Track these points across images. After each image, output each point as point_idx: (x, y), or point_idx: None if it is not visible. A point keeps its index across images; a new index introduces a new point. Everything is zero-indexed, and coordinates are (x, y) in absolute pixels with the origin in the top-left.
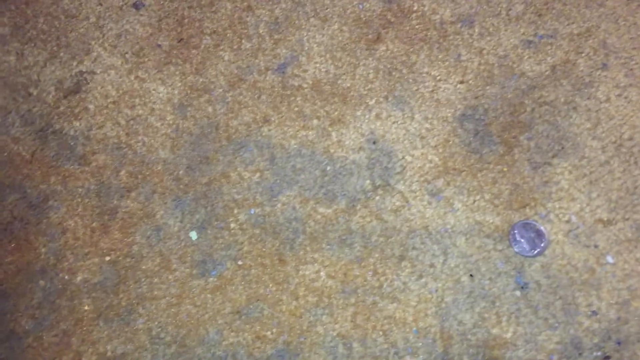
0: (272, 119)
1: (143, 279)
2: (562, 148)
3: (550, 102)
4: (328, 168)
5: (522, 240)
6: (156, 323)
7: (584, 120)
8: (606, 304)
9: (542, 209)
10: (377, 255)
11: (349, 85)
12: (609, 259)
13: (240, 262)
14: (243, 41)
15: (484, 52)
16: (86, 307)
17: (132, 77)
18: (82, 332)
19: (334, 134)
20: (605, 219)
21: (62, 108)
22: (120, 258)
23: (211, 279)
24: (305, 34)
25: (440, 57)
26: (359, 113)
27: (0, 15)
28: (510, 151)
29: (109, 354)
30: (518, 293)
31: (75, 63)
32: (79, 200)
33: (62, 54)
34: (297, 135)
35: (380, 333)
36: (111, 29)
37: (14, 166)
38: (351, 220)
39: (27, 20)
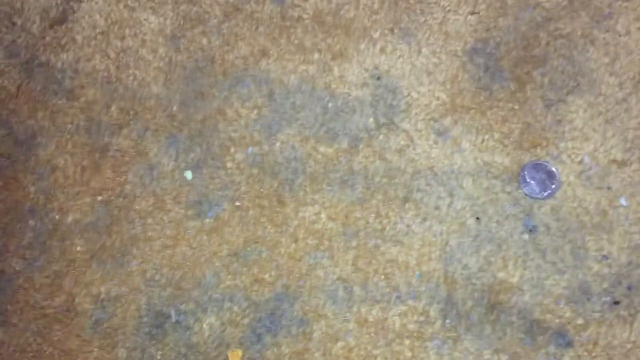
0: (271, 52)
1: (136, 220)
2: (578, 84)
3: (567, 35)
4: (329, 105)
5: (532, 181)
6: (151, 265)
7: (601, 54)
8: (617, 248)
9: (554, 149)
10: (379, 196)
11: (352, 16)
12: (622, 201)
13: (237, 203)
14: None
15: None
16: (78, 248)
17: (122, 6)
18: (74, 273)
19: (335, 68)
20: (620, 159)
21: (48, 39)
22: (112, 198)
23: (207, 220)
24: None
25: None
26: (362, 46)
27: None
28: (522, 88)
29: (102, 295)
30: (526, 236)
31: None
32: (68, 137)
33: None
34: (297, 69)
35: (382, 277)
36: None
37: (0, 101)
38: (353, 160)
39: None
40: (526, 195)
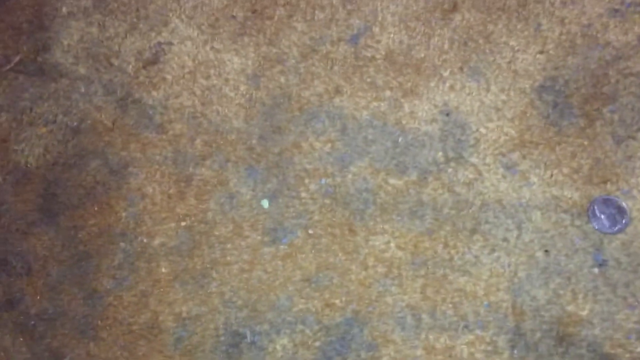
0: (344, 89)
1: (216, 245)
2: None
3: (636, 74)
4: (400, 139)
5: (602, 216)
6: (229, 287)
7: None
8: None
9: (624, 184)
10: (448, 228)
11: (422, 55)
12: None
13: (310, 231)
14: (316, 12)
15: (566, 21)
16: (163, 270)
17: (208, 48)
18: (159, 293)
19: (406, 105)
20: None
21: (141, 78)
22: (195, 223)
23: (282, 246)
24: (378, 4)
25: (519, 26)
26: (432, 84)
27: None
28: (592, 124)
29: (184, 314)
30: (596, 270)
31: (153, 34)
32: (157, 167)
33: (141, 26)
34: (369, 106)
35: (450, 305)
36: (188, 0)
37: (97, 133)
38: (422, 192)
39: None
40: (596, 229)
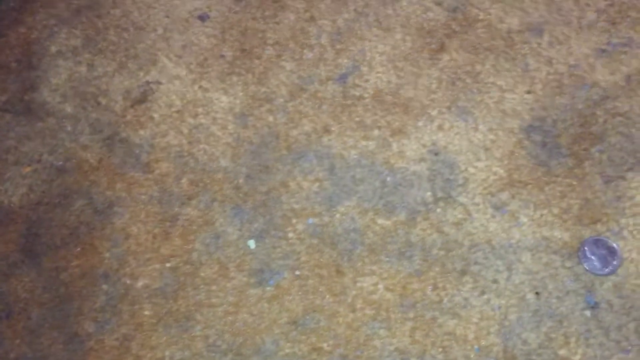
0: (333, 128)
1: (201, 286)
2: (637, 161)
3: (624, 113)
4: (388, 179)
5: (593, 257)
6: (213, 330)
7: None
8: None
9: (614, 225)
10: (437, 269)
11: (411, 95)
12: None
13: (297, 272)
14: (305, 51)
15: (554, 61)
16: (146, 312)
17: (196, 87)
18: (142, 336)
19: (394, 144)
20: None
21: (128, 117)
22: (180, 264)
23: (268, 288)
24: (367, 44)
25: (506, 66)
26: (420, 123)
27: (74, 28)
28: (581, 164)
29: (166, 359)
30: (588, 313)
31: (142, 73)
32: (142, 206)
33: (130, 65)
34: (357, 145)
35: (440, 350)
36: (177, 40)
37: (82, 172)
38: (411, 232)
39: (98, 32)
40: (587, 270)
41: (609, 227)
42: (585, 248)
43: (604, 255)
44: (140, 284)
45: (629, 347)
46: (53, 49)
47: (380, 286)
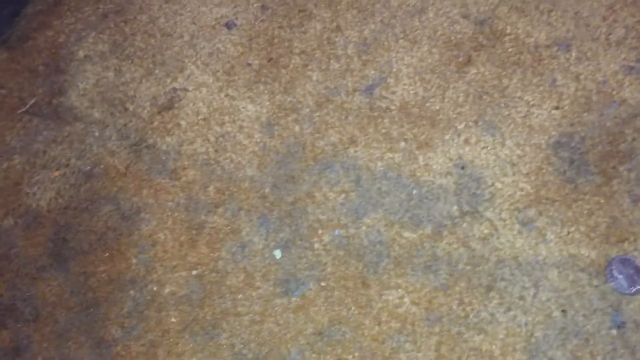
0: (359, 140)
1: (227, 295)
2: None
3: None
4: (414, 192)
5: (620, 276)
6: (239, 339)
7: None
8: None
9: None
10: (463, 284)
11: (437, 108)
12: None
13: (323, 284)
14: (331, 61)
15: (581, 77)
16: (173, 319)
17: (223, 95)
18: (168, 343)
19: (420, 157)
20: None
21: (155, 123)
22: (206, 272)
23: (294, 298)
24: (394, 56)
25: (534, 81)
26: (447, 137)
27: (101, 33)
28: (609, 182)
29: None
30: (614, 332)
31: (169, 80)
32: (169, 213)
33: (157, 71)
34: (384, 157)
35: None
36: (204, 47)
37: (109, 178)
38: (437, 246)
39: (126, 38)
40: (614, 289)
41: (636, 246)
42: (613, 267)
43: (631, 275)
44: (167, 290)
45: None
46: (81, 53)
47: (406, 299)
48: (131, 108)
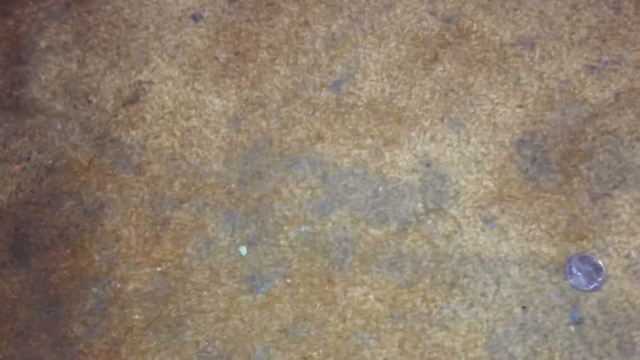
0: (326, 136)
1: (192, 292)
2: (624, 179)
3: (613, 131)
4: (380, 189)
5: (579, 273)
6: (204, 337)
7: None
8: None
9: (600, 242)
10: (427, 280)
11: (404, 105)
12: None
13: (288, 280)
14: (299, 56)
15: (545, 76)
16: (136, 317)
17: (189, 89)
18: (131, 341)
19: (387, 154)
20: None
21: (120, 117)
22: (171, 269)
23: (259, 295)
24: (361, 51)
25: (499, 79)
26: (413, 134)
27: (63, 22)
28: (569, 180)
29: None
30: (572, 328)
31: (134, 72)
32: (133, 209)
33: (121, 63)
34: (350, 153)
35: None
36: (170, 39)
37: (72, 173)
38: (402, 243)
39: (89, 28)
40: (573, 286)
41: (595, 244)
42: (572, 264)
43: (589, 272)
44: (130, 287)
45: None
46: (43, 43)
47: (371, 296)
48: (95, 101)
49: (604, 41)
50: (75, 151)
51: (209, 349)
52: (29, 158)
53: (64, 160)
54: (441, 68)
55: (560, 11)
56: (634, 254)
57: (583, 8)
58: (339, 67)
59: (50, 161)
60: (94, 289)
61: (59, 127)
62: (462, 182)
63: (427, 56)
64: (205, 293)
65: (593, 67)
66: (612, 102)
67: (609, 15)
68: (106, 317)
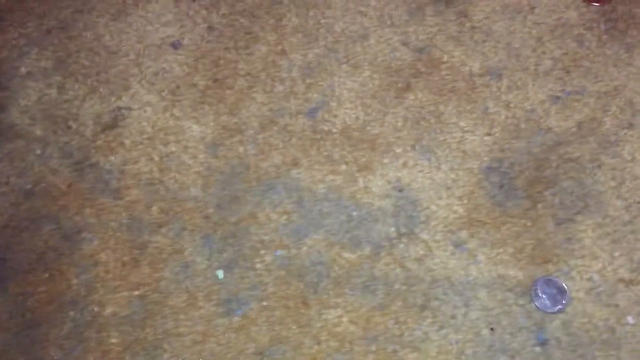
0: (302, 162)
1: (169, 315)
2: (586, 205)
3: (576, 159)
4: (354, 213)
5: (544, 296)
6: (180, 359)
7: (608, 178)
8: None
9: (564, 265)
10: (399, 303)
11: (377, 132)
12: (630, 319)
13: (264, 303)
14: (276, 84)
15: (511, 105)
16: (114, 340)
17: (168, 115)
18: None
19: (361, 180)
20: (627, 278)
21: (99, 142)
22: (148, 293)
23: (236, 318)
24: (336, 80)
25: (468, 108)
26: (386, 160)
27: (44, 49)
28: (535, 206)
29: None
30: (538, 349)
31: (113, 98)
32: (112, 233)
33: (101, 89)
34: (325, 179)
35: None
36: (149, 66)
37: (51, 197)
38: (375, 266)
39: (70, 54)
40: (538, 308)
41: (559, 267)
42: (537, 287)
43: (554, 295)
44: (108, 311)
45: None
46: (23, 69)
47: (345, 319)
48: (74, 126)
49: (567, 72)
50: (54, 176)
51: None
52: (8, 182)
53: (42, 185)
54: (413, 97)
55: (527, 43)
56: (595, 277)
57: (548, 41)
58: (315, 95)
59: (29, 185)
60: (72, 313)
61: (38, 151)
62: (433, 207)
63: (400, 85)
64: (182, 316)
65: (557, 98)
66: (575, 131)
67: (572, 48)
68: (83, 340)
